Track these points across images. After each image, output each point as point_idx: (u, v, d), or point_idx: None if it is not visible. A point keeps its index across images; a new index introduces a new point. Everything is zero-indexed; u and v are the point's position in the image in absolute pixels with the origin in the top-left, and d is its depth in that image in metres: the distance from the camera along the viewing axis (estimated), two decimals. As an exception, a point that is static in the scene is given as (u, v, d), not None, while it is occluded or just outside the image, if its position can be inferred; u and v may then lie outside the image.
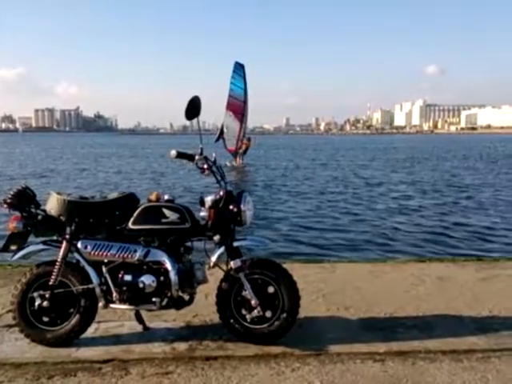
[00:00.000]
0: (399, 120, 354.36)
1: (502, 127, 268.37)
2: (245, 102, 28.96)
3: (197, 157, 3.25)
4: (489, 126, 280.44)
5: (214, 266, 3.28)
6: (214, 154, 3.43)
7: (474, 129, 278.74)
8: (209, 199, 3.28)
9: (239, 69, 28.68)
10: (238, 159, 29.01)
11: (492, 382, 2.84)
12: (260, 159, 37.24)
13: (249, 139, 29.50)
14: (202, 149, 3.27)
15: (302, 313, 3.88)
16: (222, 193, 3.28)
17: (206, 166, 3.29)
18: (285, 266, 5.46)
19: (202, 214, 3.28)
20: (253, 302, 3.24)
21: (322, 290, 4.60)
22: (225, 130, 27.78)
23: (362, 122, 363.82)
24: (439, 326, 3.68)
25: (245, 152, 29.34)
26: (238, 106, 28.60)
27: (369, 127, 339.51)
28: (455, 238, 9.61)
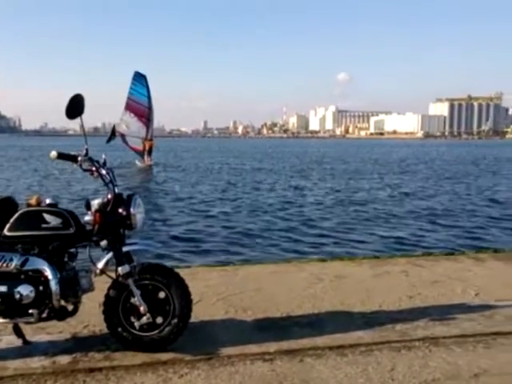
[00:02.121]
0: (314, 125, 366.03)
1: (406, 132, 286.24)
2: (149, 108, 31.11)
3: (79, 158, 3.11)
4: (395, 132, 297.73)
5: (101, 273, 3.15)
6: (103, 156, 3.30)
7: (381, 134, 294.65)
8: (95, 202, 3.15)
9: (140, 78, 31.06)
10: (145, 158, 30.61)
11: (372, 373, 2.97)
12: (172, 160, 37.78)
13: (151, 139, 31.23)
14: (87, 149, 3.13)
15: (199, 317, 3.86)
16: (109, 196, 3.16)
17: (93, 168, 3.16)
18: (188, 270, 5.46)
19: (88, 218, 3.13)
20: (142, 309, 3.15)
21: (223, 293, 4.59)
22: (125, 128, 29.43)
23: (278, 126, 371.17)
24: (330, 322, 3.81)
25: (150, 151, 30.99)
26: (141, 111, 30.72)
27: (285, 131, 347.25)
28: (353, 238, 10.09)
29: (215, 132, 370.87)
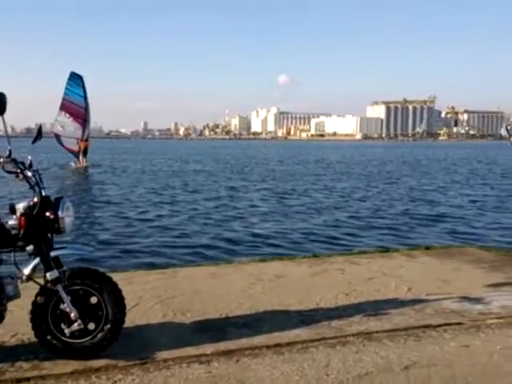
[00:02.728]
0: (256, 126, 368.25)
1: (346, 134, 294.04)
2: (86, 108, 30.81)
3: (1, 159, 2.96)
4: (335, 134, 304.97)
5: (28, 280, 3.01)
6: (29, 157, 3.16)
7: (322, 136, 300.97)
8: (20, 206, 3.01)
9: (77, 78, 30.69)
10: (81, 159, 30.41)
11: (307, 370, 3.01)
12: (108, 162, 37.23)
13: (87, 139, 31.01)
14: (10, 151, 2.99)
15: (136, 321, 3.78)
16: (36, 199, 3.03)
17: (18, 170, 3.02)
18: (125, 274, 5.33)
19: (12, 222, 2.99)
20: (72, 315, 3.04)
21: (161, 296, 4.51)
22: (60, 128, 29.28)
23: (220, 127, 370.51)
24: (268, 322, 3.84)
25: (85, 152, 30.77)
26: (77, 111, 30.43)
27: (227, 133, 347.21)
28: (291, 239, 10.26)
29: (156, 133, 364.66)
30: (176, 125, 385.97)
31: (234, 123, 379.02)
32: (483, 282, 5.24)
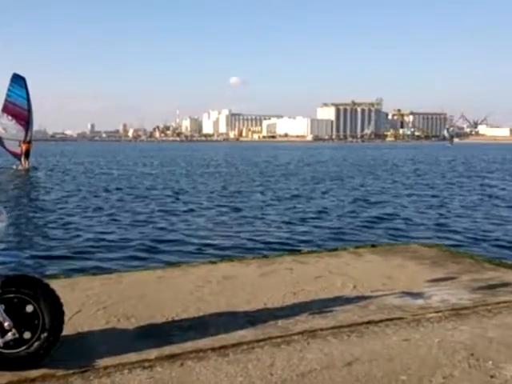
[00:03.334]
0: (207, 128, 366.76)
1: (297, 136, 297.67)
2: (29, 110, 30.24)
3: None
4: (286, 135, 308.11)
5: (-43, 289, 2.86)
6: None
7: (273, 137, 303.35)
8: (-50, 213, 2.86)
9: (19, 80, 30.14)
10: (23, 162, 29.88)
11: (252, 370, 3.01)
12: (50, 165, 36.34)
13: (29, 141, 30.41)
14: None
15: (78, 329, 3.66)
16: (-36, 204, 2.89)
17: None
18: (67, 281, 5.16)
19: None
20: (6, 325, 2.91)
21: (105, 302, 4.40)
22: (2, 130, 28.80)
23: (171, 129, 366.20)
24: (215, 324, 3.81)
25: (27, 154, 30.24)
26: (20, 113, 29.83)
27: (179, 134, 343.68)
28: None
29: (103, 135, 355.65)
30: (125, 126, 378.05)
31: (185, 125, 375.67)
32: (425, 278, 5.42)
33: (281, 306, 4.34)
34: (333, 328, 3.72)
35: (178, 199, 17.54)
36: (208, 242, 10.01)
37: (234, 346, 3.34)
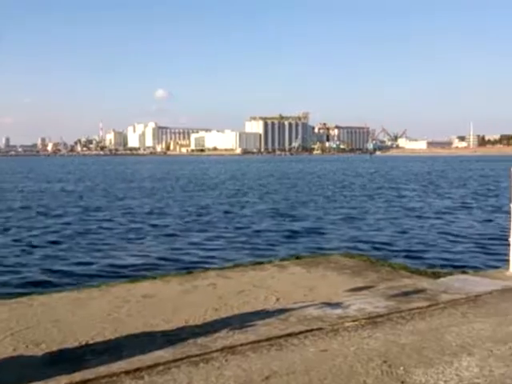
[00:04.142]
0: (133, 141, 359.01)
1: (226, 149, 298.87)
2: None
3: None
4: (215, 148, 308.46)
5: None
6: None
7: (202, 150, 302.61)
8: None
9: None
10: None
11: (167, 392, 2.92)
12: None
13: None
14: None
15: (-21, 359, 3.40)
16: None
17: None
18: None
19: None
20: None
21: (13, 328, 4.13)
22: None
23: (94, 142, 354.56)
24: (131, 346, 3.67)
25: None
26: None
27: (102, 148, 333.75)
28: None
29: (19, 150, 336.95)
30: (43, 140, 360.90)
31: (110, 138, 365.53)
32: (345, 288, 5.57)
33: (202, 323, 4.28)
34: (253, 343, 3.70)
35: (90, 216, 16.95)
36: (128, 261, 9.73)
37: (149, 367, 3.23)
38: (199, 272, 6.68)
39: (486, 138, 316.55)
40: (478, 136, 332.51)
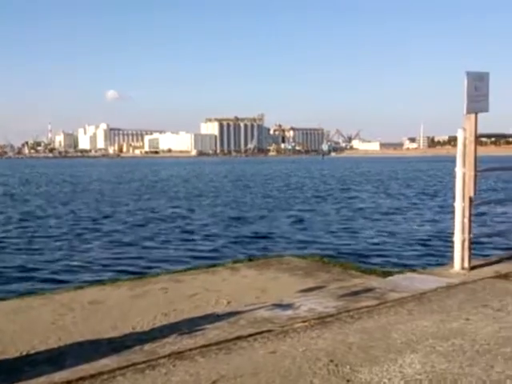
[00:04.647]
0: (84, 143, 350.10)
1: (181, 151, 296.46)
2: None
3: None
4: (170, 150, 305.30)
5: None
6: None
7: (156, 152, 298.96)
8: None
9: None
10: None
11: (110, 402, 2.85)
12: None
13: None
14: None
15: None
16: None
17: None
18: None
19: None
20: None
21: None
22: None
23: (43, 144, 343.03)
24: (75, 354, 3.56)
25: None
26: None
27: (51, 150, 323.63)
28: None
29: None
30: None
31: (59, 140, 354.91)
32: (296, 288, 5.60)
33: (150, 329, 4.20)
34: (201, 347, 3.66)
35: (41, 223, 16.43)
36: (75, 267, 9.46)
37: (92, 376, 3.14)
38: (150, 276, 6.56)
39: (436, 140, 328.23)
40: (428, 137, 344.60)
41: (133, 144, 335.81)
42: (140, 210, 20.34)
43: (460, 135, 5.78)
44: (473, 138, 5.72)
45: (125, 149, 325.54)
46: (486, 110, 5.83)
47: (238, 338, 3.87)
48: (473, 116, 5.68)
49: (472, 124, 5.69)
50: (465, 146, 5.75)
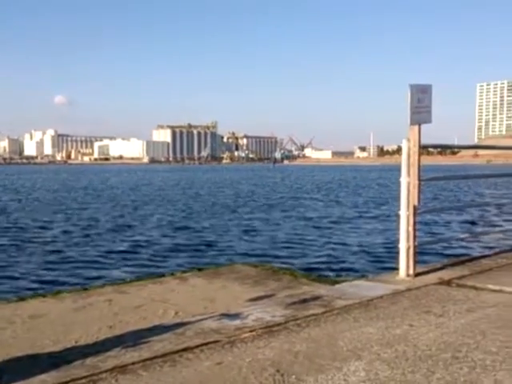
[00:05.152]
0: (30, 149, 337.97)
1: (132, 158, 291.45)
2: None
3: None
4: (121, 157, 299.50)
5: None
6: None
7: (106, 159, 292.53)
8: None
9: None
10: None
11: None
12: None
13: None
14: None
15: None
16: None
17: None
18: None
19: None
20: None
21: None
22: None
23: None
24: (12, 370, 3.39)
25: None
26: None
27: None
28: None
29: None
30: None
31: (3, 146, 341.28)
32: (246, 298, 5.59)
33: (93, 342, 4.07)
34: (145, 360, 3.57)
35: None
36: (14, 279, 9.07)
37: (29, 394, 3.00)
38: (95, 288, 6.37)
39: (385, 149, 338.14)
40: (378, 146, 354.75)
41: (82, 151, 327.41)
42: (84, 219, 19.68)
43: (404, 145, 5.94)
44: (416, 149, 5.89)
45: (73, 155, 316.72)
46: (429, 121, 6.01)
47: (185, 349, 3.80)
48: (416, 127, 5.85)
49: (416, 135, 5.86)
50: (409, 155, 5.91)
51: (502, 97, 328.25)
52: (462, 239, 12.58)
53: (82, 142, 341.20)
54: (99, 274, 9.39)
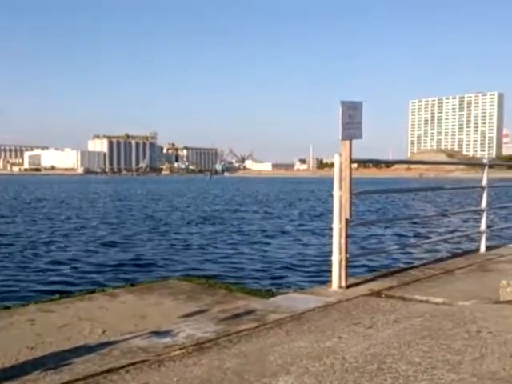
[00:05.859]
0: None
1: (66, 168, 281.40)
2: None
3: None
4: (53, 168, 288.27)
5: None
6: None
7: (38, 170, 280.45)
8: None
9: None
10: None
11: None
12: None
13: None
14: None
15: None
16: None
17: None
18: None
19: None
20: None
21: None
22: None
23: None
24: None
25: None
26: None
27: None
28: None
29: None
30: None
31: None
32: (178, 314, 5.46)
33: (11, 366, 3.83)
34: (67, 383, 3.39)
35: None
36: None
37: None
38: (16, 307, 6.01)
39: (324, 161, 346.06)
40: (317, 159, 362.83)
41: (11, 160, 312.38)
42: (4, 235, 18.43)
43: (336, 160, 6.08)
44: (348, 163, 6.03)
45: (1, 165, 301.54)
46: (359, 137, 6.19)
47: (109, 370, 3.64)
48: (348, 142, 6.00)
49: (347, 150, 6.01)
50: (341, 170, 6.05)
51: (432, 113, 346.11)
52: (393, 251, 13.02)
53: (11, 151, 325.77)
54: (22, 293, 8.87)
